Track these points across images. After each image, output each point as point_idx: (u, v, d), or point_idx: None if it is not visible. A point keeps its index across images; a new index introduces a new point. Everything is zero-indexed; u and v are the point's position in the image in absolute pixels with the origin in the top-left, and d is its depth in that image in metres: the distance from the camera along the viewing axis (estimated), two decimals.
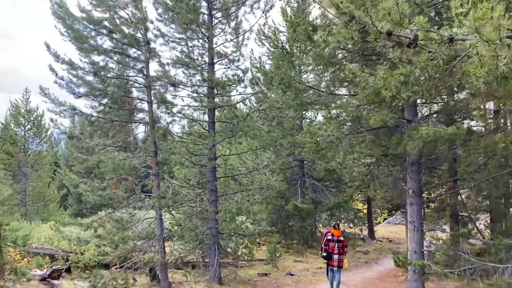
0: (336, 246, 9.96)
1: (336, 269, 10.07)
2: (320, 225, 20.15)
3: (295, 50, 17.43)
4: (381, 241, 21.10)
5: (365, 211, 22.34)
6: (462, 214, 13.35)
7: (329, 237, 10.13)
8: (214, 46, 11.67)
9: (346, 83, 9.16)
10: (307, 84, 9.59)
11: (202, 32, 11.33)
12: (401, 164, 10.90)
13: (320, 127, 8.01)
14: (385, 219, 28.61)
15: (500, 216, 10.14)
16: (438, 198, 11.12)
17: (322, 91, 8.72)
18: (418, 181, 8.54)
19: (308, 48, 7.71)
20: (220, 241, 12.87)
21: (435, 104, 9.49)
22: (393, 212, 27.96)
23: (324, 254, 10.20)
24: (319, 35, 7.93)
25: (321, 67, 8.30)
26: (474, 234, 9.10)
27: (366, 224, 21.22)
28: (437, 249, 8.28)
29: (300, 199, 17.92)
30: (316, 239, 19.26)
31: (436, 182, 10.55)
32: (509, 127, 14.49)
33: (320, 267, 15.40)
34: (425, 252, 8.63)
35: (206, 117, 12.34)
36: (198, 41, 12.03)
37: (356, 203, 22.83)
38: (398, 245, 19.87)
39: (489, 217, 16.18)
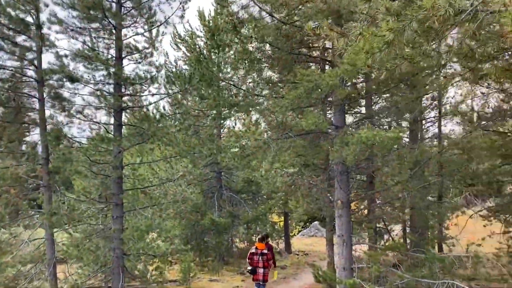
0: (260, 259, 9.82)
1: (261, 283, 9.90)
2: (237, 240, 19.13)
3: (213, 56, 16.48)
4: (297, 254, 20.68)
5: (281, 224, 21.84)
6: (379, 226, 13.30)
7: (253, 251, 9.99)
8: (123, 38, 10.19)
9: (271, 84, 8.34)
10: (230, 83, 8.62)
11: (108, 21, 9.80)
12: (324, 173, 10.37)
13: (247, 130, 7.06)
14: (299, 231, 28.52)
15: (423, 228, 10.03)
16: (362, 210, 10.79)
17: (247, 91, 7.81)
18: (347, 192, 7.95)
19: (232, 41, 6.81)
20: (126, 262, 11.19)
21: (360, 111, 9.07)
22: (308, 224, 28.00)
23: (249, 268, 10.04)
24: (246, 29, 7.06)
25: (246, 63, 7.40)
26: (401, 247, 8.76)
27: (283, 238, 20.68)
28: (368, 264, 7.72)
29: (217, 213, 16.77)
30: (233, 255, 18.18)
31: (363, 194, 10.19)
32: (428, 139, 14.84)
33: (237, 286, 14.32)
34: (354, 268, 8.02)
35: (112, 120, 10.69)
36: (105, 32, 10.44)
37: (272, 216, 22.29)
38: (314, 258, 19.60)
39: (402, 229, 16.57)
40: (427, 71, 9.13)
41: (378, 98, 12.25)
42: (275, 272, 10.24)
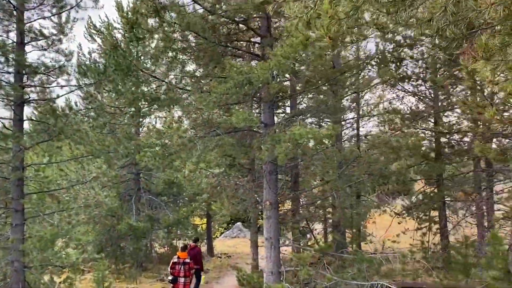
0: (182, 268, 9.72)
1: None
2: (157, 245, 18.17)
3: (132, 50, 15.39)
4: (220, 257, 20.21)
5: (204, 226, 21.22)
6: (302, 226, 13.36)
7: (175, 260, 9.85)
8: (27, 21, 8.95)
9: (196, 78, 7.78)
10: (151, 74, 7.88)
11: (8, 0, 8.52)
12: (251, 174, 10.06)
13: (170, 126, 6.43)
14: (221, 233, 28.08)
15: (346, 227, 10.14)
16: (287, 210, 10.65)
17: (170, 84, 7.16)
18: (275, 192, 7.67)
19: (154, 28, 6.15)
20: (28, 276, 9.88)
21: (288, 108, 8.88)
22: (230, 225, 27.66)
23: (170, 277, 9.93)
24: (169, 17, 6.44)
25: (169, 54, 6.77)
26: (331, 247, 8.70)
27: (205, 240, 20.09)
28: (296, 267, 7.50)
29: (135, 217, 15.70)
30: (152, 261, 17.17)
31: (290, 194, 10.03)
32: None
33: None
34: (282, 271, 7.76)
35: (12, 114, 9.34)
36: (4, 13, 9.09)
37: (194, 218, 21.56)
38: (237, 260, 19.29)
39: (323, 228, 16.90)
40: (348, 73, 9.24)
41: (302, 98, 12.25)
42: (202, 277, 10.66)
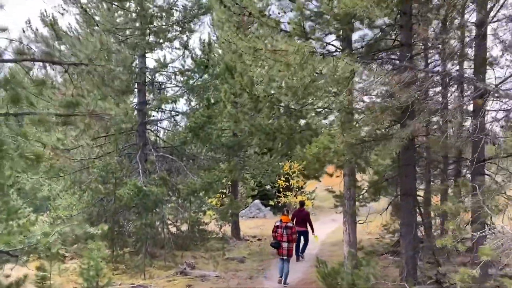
0: (284, 232, 9.31)
1: (285, 257, 9.27)
2: (169, 221, 13.10)
3: None
4: (248, 239, 15.39)
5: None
6: None
7: (278, 224, 9.53)
8: None
9: None
10: None
11: None
12: None
13: None
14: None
15: None
16: None
17: None
18: None
19: None
20: None
21: None
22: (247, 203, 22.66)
23: (273, 241, 9.50)
24: None
25: None
26: None
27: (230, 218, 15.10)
28: None
29: (142, 179, 10.71)
30: (163, 245, 12.10)
31: None
32: None
33: None
34: None
35: None
36: None
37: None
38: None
39: None
40: None
41: None
42: (316, 236, 12.00)
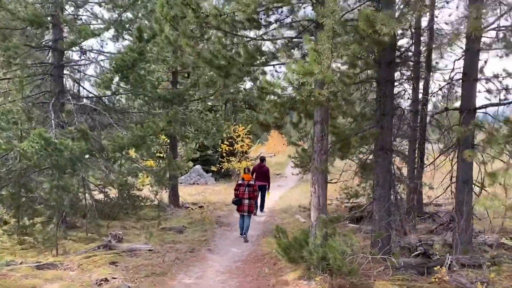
0: (246, 190, 9.50)
1: (246, 214, 9.52)
2: (91, 184, 10.87)
3: None
4: (188, 207, 13.63)
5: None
6: None
7: (240, 182, 9.69)
8: None
9: None
10: None
11: None
12: None
13: None
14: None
15: None
16: None
17: None
18: None
19: None
20: None
21: None
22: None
23: (235, 199, 9.61)
24: None
25: None
26: None
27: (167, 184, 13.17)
28: None
29: (55, 130, 8.46)
30: (85, 214, 9.95)
31: None
32: None
33: (103, 279, 6.67)
34: None
35: None
36: None
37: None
38: (218, 212, 12.90)
39: None
40: None
41: None
42: (268, 193, 12.80)
